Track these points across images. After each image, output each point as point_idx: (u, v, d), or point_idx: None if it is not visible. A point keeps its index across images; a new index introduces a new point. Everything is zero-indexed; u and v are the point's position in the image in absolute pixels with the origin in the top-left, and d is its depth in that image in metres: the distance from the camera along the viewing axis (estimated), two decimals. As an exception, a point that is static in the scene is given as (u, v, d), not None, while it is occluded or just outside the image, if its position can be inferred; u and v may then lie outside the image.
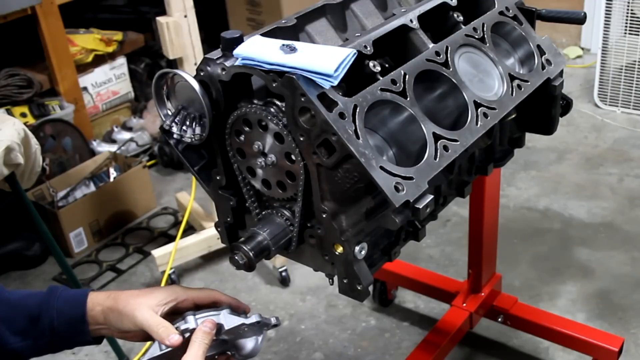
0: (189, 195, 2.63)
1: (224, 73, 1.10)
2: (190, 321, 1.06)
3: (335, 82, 1.01)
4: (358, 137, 1.03)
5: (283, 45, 1.05)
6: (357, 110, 1.06)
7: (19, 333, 1.11)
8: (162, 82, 1.18)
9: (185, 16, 2.26)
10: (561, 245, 2.58)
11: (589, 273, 2.43)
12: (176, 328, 1.05)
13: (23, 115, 2.92)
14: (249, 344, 1.08)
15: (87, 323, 1.11)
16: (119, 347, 2.19)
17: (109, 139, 3.39)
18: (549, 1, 2.72)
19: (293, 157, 1.08)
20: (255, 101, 1.12)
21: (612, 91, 3.43)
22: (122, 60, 3.48)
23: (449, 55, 1.24)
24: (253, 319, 1.09)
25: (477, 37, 1.32)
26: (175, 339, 1.04)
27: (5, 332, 1.10)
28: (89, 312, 1.11)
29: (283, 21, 1.21)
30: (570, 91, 3.61)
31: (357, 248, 1.11)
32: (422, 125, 1.13)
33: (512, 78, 1.31)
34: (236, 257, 1.10)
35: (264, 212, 1.20)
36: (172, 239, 2.76)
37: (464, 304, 2.03)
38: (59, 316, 1.11)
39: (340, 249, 1.12)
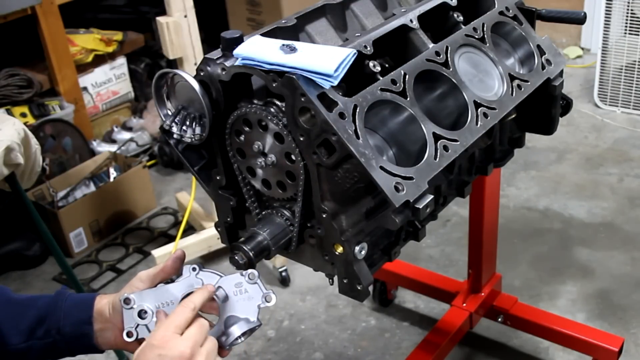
0: (189, 195, 2.63)
1: (224, 73, 1.10)
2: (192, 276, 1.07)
3: (335, 82, 1.01)
4: (358, 137, 1.03)
5: (283, 45, 1.05)
6: (357, 110, 1.06)
7: (25, 333, 1.11)
8: (162, 82, 1.18)
9: (185, 16, 2.26)
10: (561, 245, 2.58)
11: (589, 273, 2.43)
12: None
13: (23, 115, 2.92)
14: (236, 329, 1.06)
15: (92, 326, 1.11)
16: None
17: (109, 139, 3.38)
18: (549, 1, 2.72)
19: (293, 157, 1.08)
20: (255, 101, 1.12)
21: (612, 91, 3.43)
22: (122, 60, 3.48)
23: (449, 55, 1.24)
24: (249, 273, 1.05)
25: (477, 37, 1.32)
26: (179, 252, 1.09)
27: (11, 332, 1.10)
28: (96, 305, 1.11)
29: (283, 21, 1.21)
30: (570, 91, 3.61)
31: (357, 248, 1.11)
32: (422, 125, 1.13)
33: (512, 78, 1.31)
34: (236, 257, 1.10)
35: (264, 212, 1.20)
36: (172, 239, 2.76)
37: (464, 304, 2.03)
38: (66, 317, 1.11)
39: (340, 249, 1.12)
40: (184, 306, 1.00)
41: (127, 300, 1.05)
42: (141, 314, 1.05)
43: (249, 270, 1.05)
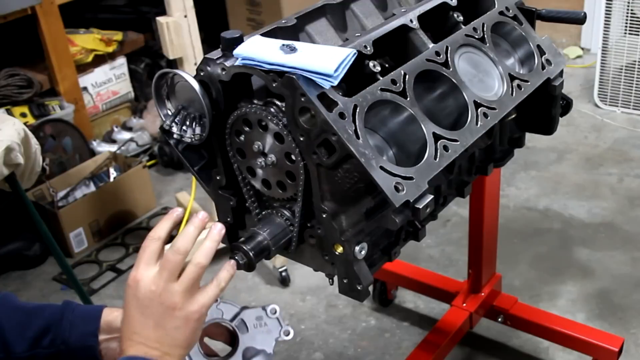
0: (189, 195, 2.63)
1: (224, 73, 1.10)
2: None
3: (335, 82, 1.01)
4: (358, 137, 1.03)
5: (283, 45, 1.05)
6: (357, 110, 1.06)
7: (30, 341, 1.10)
8: (162, 82, 1.18)
9: (185, 16, 2.26)
10: (561, 245, 2.58)
11: (589, 273, 2.43)
12: None
13: (23, 115, 2.92)
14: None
15: (97, 339, 1.11)
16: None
17: (109, 139, 3.38)
18: (549, 1, 2.72)
19: (293, 157, 1.08)
20: (255, 101, 1.12)
21: (612, 91, 3.43)
22: (122, 60, 3.48)
23: (449, 55, 1.24)
24: (270, 308, 1.10)
25: (477, 37, 1.32)
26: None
27: (16, 340, 1.10)
28: (104, 317, 1.12)
29: (283, 21, 1.21)
30: (570, 91, 3.61)
31: (357, 248, 1.11)
32: (422, 125, 1.13)
33: (512, 78, 1.31)
34: (236, 257, 1.10)
35: (264, 212, 1.20)
36: (172, 239, 2.75)
37: (464, 304, 2.03)
38: (72, 329, 1.11)
39: (340, 249, 1.12)
40: (148, 238, 0.99)
41: None
42: None
43: (271, 306, 1.09)
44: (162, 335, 0.94)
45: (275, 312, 1.09)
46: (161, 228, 1.01)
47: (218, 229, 1.01)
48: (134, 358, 0.93)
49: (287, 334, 1.09)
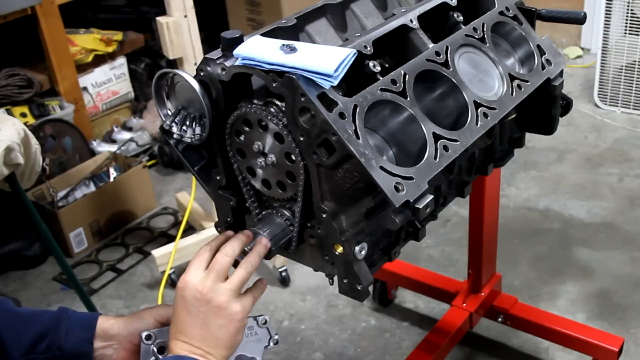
0: (189, 195, 2.63)
1: (224, 73, 1.10)
2: None
3: (335, 82, 1.01)
4: (358, 137, 1.03)
5: (283, 45, 1.05)
6: (357, 110, 1.06)
7: (26, 347, 1.11)
8: (162, 82, 1.18)
9: (185, 16, 2.26)
10: (561, 245, 2.58)
11: (589, 273, 2.43)
12: None
13: (23, 115, 2.92)
14: None
15: (92, 345, 1.12)
16: None
17: (109, 139, 3.39)
18: (549, 1, 2.72)
19: (293, 157, 1.08)
20: (255, 101, 1.12)
21: (612, 91, 3.43)
22: (122, 60, 3.48)
23: (449, 55, 1.24)
24: (261, 318, 1.15)
25: (477, 37, 1.32)
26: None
27: (12, 345, 1.10)
28: (100, 325, 1.12)
29: (283, 21, 1.21)
30: (570, 91, 3.61)
31: (357, 248, 1.11)
32: (422, 125, 1.13)
33: (512, 78, 1.31)
34: (236, 257, 1.10)
35: (264, 212, 1.20)
36: (172, 239, 2.76)
37: (464, 304, 2.03)
38: (68, 335, 1.11)
39: (340, 249, 1.12)
40: (202, 248, 1.06)
41: (148, 337, 1.10)
42: (162, 350, 1.10)
43: (261, 316, 1.14)
44: (207, 334, 0.99)
45: (265, 322, 1.14)
46: (214, 242, 1.09)
47: (264, 243, 1.09)
48: (178, 357, 0.98)
49: (276, 342, 1.15)
